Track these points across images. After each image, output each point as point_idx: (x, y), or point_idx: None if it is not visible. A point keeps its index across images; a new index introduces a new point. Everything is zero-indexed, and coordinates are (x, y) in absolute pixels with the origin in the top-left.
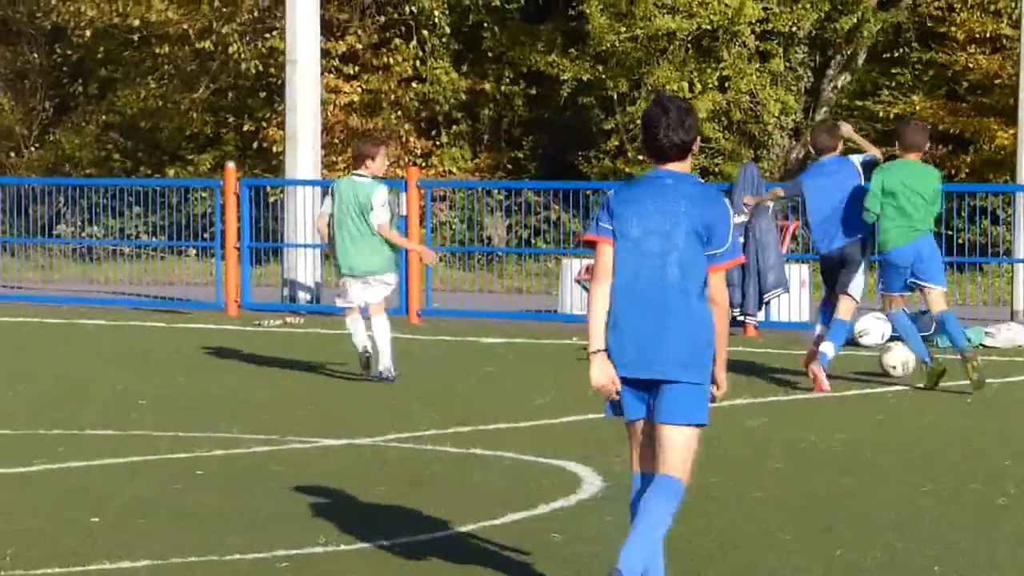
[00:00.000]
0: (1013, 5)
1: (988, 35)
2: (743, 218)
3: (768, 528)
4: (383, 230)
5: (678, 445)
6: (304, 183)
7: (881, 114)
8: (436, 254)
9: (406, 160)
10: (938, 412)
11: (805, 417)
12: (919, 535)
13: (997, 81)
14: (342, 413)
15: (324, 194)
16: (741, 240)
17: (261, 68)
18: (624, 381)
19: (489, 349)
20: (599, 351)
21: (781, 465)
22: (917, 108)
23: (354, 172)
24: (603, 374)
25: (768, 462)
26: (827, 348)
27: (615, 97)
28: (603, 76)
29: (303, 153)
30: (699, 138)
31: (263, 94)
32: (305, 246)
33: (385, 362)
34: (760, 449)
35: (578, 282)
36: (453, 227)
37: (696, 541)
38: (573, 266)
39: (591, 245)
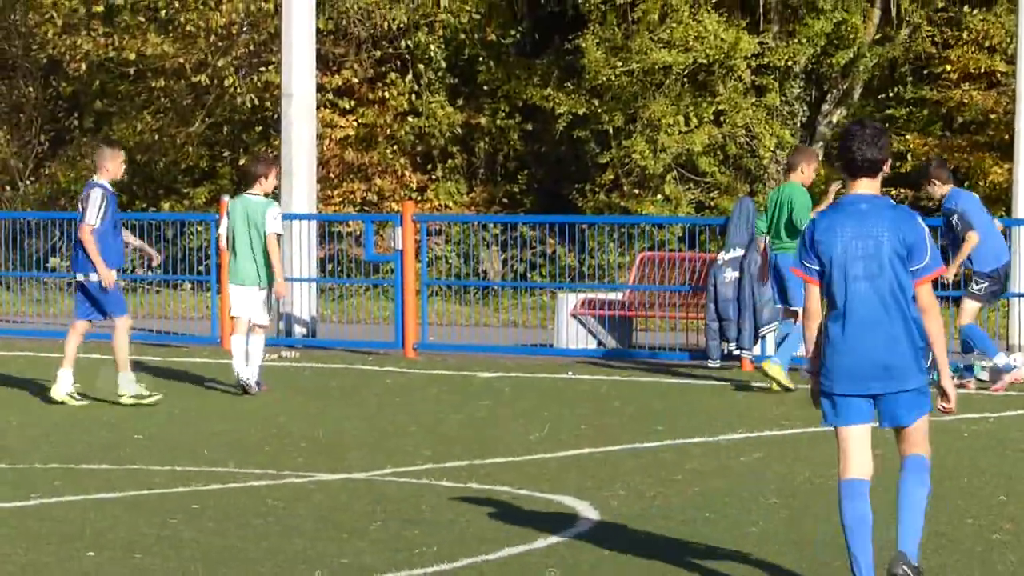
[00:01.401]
0: (1008, 41)
1: (983, 71)
2: (736, 253)
3: (763, 565)
4: (271, 240)
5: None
6: (300, 217)
7: None
8: (288, 289)
9: (402, 194)
10: (934, 447)
11: (800, 452)
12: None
13: (992, 117)
14: (338, 447)
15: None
16: (736, 275)
17: (257, 102)
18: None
19: (485, 383)
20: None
21: (776, 500)
22: (911, 145)
23: (248, 191)
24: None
25: (763, 497)
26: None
27: (610, 131)
28: (598, 110)
29: (298, 187)
30: (890, 159)
31: (259, 128)
32: (300, 280)
33: (252, 371)
34: (754, 484)
35: (574, 316)
36: (449, 261)
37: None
38: (569, 300)
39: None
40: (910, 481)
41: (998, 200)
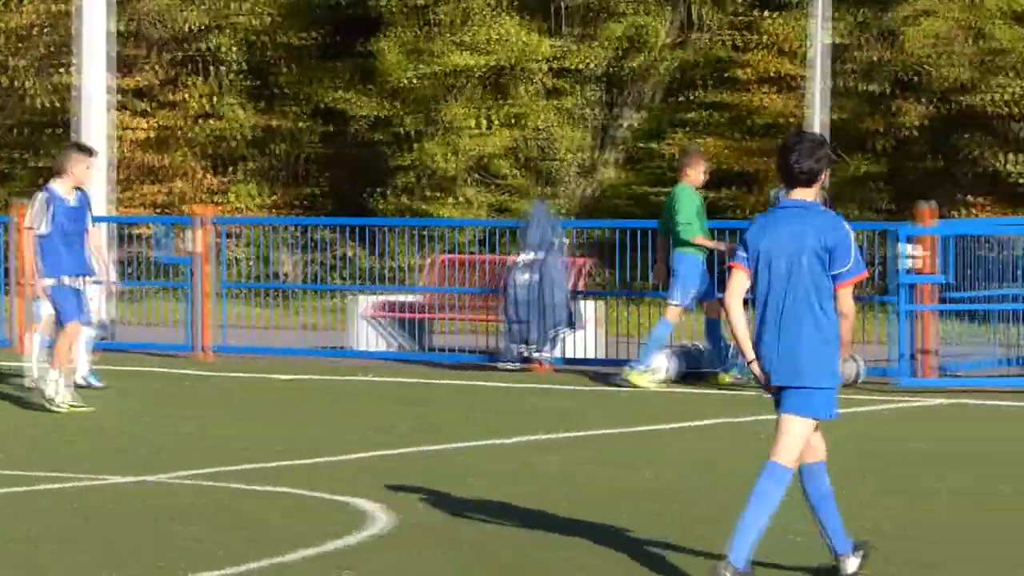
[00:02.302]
0: (803, 45)
1: (778, 75)
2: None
3: (570, 567)
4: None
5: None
6: (95, 219)
7: (667, 156)
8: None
9: (199, 197)
10: (728, 449)
11: (598, 454)
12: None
13: (788, 120)
14: (131, 450)
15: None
16: (532, 277)
17: (53, 104)
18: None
19: (280, 385)
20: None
21: (578, 502)
22: (710, 148)
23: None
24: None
25: (563, 500)
26: None
27: (408, 134)
28: (397, 113)
29: (95, 189)
30: (827, 169)
31: (58, 130)
32: (98, 283)
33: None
34: (554, 486)
35: (370, 318)
36: (247, 264)
37: None
38: (365, 303)
39: (730, 271)
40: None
41: None
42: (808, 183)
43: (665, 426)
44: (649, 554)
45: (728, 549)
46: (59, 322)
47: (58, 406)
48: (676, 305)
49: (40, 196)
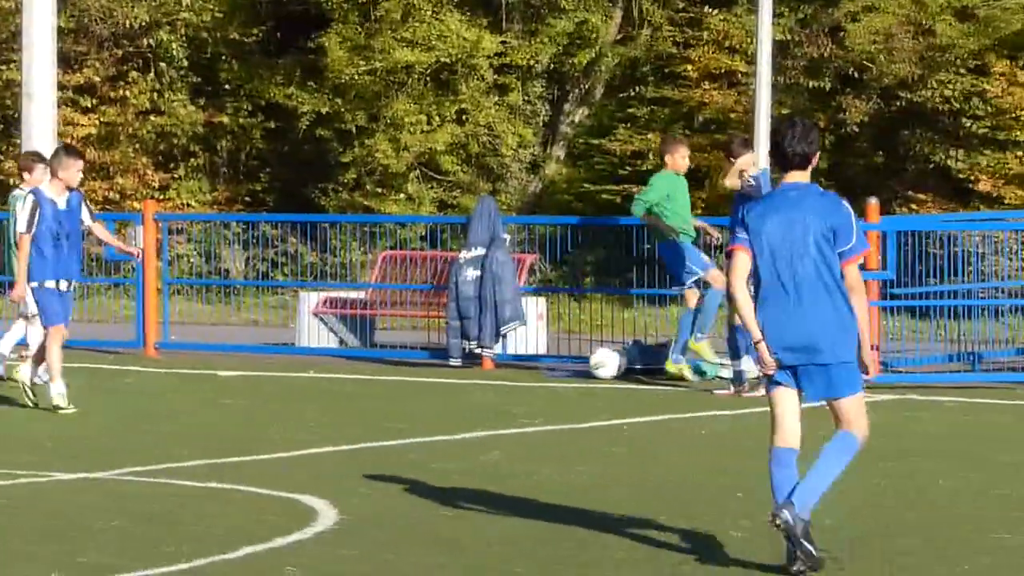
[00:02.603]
0: (748, 41)
1: (723, 71)
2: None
3: (504, 563)
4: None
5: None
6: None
7: (618, 151)
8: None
9: (144, 193)
10: (670, 445)
11: (542, 450)
12: (655, 569)
13: (733, 116)
14: (77, 446)
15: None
16: (477, 273)
17: None
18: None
19: (226, 382)
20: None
21: (518, 498)
22: (653, 145)
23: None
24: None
25: (504, 496)
26: None
27: (353, 130)
28: (341, 109)
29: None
30: (818, 152)
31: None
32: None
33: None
34: (496, 483)
35: (315, 315)
36: (191, 260)
37: (426, 575)
38: (311, 299)
39: (730, 254)
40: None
41: None
42: (802, 166)
43: (608, 422)
44: (586, 546)
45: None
46: (42, 324)
47: (66, 408)
48: (688, 287)
49: (29, 199)
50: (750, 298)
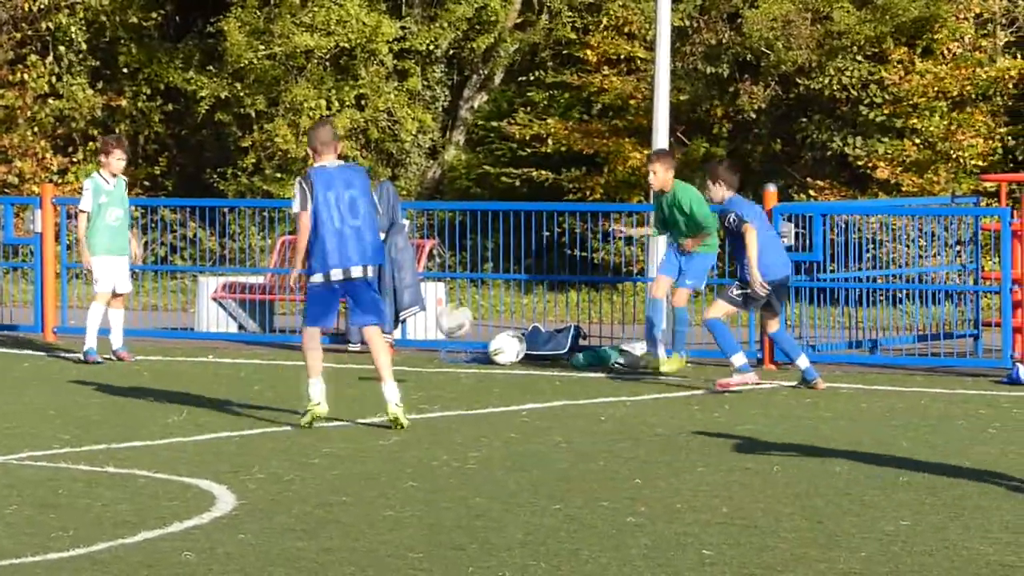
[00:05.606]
0: (647, 27)
1: (622, 57)
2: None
3: (399, 548)
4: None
5: None
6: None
7: (517, 135)
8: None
9: (41, 177)
10: (568, 431)
11: (438, 436)
12: (551, 554)
13: (631, 102)
14: None
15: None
16: None
17: None
18: None
19: (124, 367)
20: None
21: (414, 484)
22: (552, 130)
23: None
24: None
25: (400, 481)
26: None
27: (252, 115)
28: (240, 93)
29: None
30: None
31: None
32: None
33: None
34: (392, 468)
35: (215, 299)
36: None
37: (323, 559)
38: (210, 284)
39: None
40: None
41: (636, 185)
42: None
43: (507, 408)
44: (483, 530)
45: None
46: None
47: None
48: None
49: (87, 183)
50: None
